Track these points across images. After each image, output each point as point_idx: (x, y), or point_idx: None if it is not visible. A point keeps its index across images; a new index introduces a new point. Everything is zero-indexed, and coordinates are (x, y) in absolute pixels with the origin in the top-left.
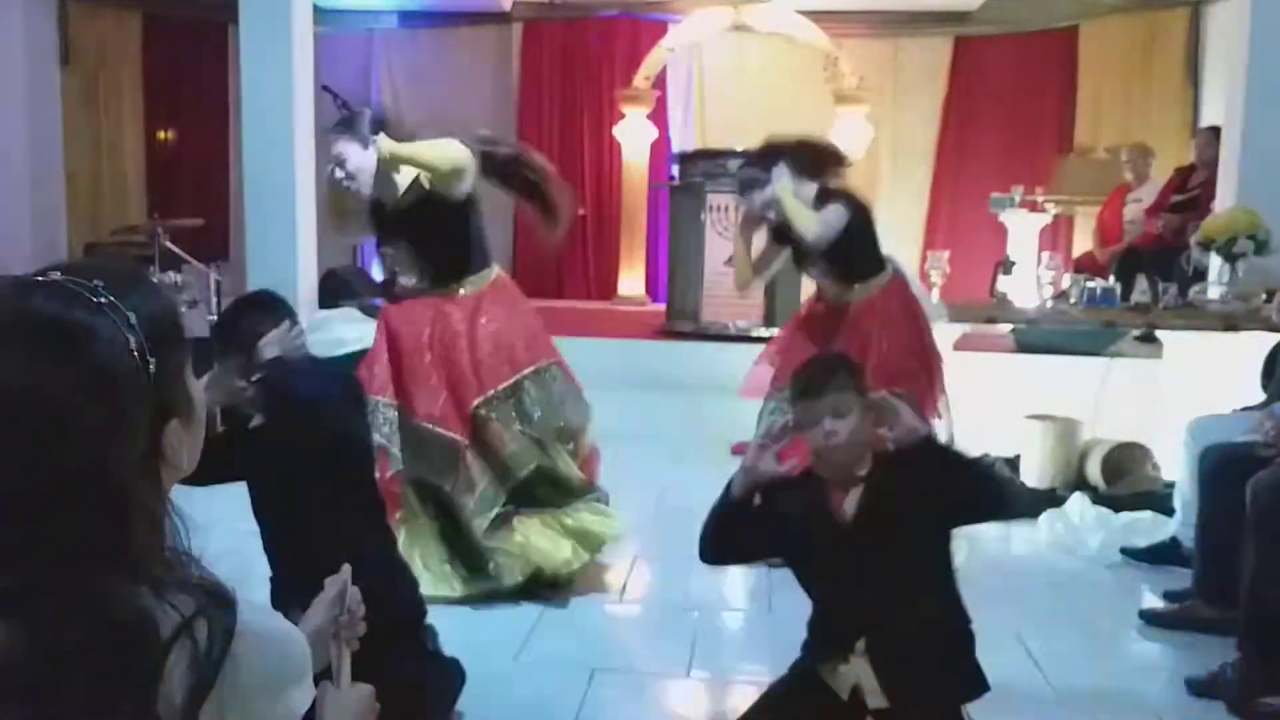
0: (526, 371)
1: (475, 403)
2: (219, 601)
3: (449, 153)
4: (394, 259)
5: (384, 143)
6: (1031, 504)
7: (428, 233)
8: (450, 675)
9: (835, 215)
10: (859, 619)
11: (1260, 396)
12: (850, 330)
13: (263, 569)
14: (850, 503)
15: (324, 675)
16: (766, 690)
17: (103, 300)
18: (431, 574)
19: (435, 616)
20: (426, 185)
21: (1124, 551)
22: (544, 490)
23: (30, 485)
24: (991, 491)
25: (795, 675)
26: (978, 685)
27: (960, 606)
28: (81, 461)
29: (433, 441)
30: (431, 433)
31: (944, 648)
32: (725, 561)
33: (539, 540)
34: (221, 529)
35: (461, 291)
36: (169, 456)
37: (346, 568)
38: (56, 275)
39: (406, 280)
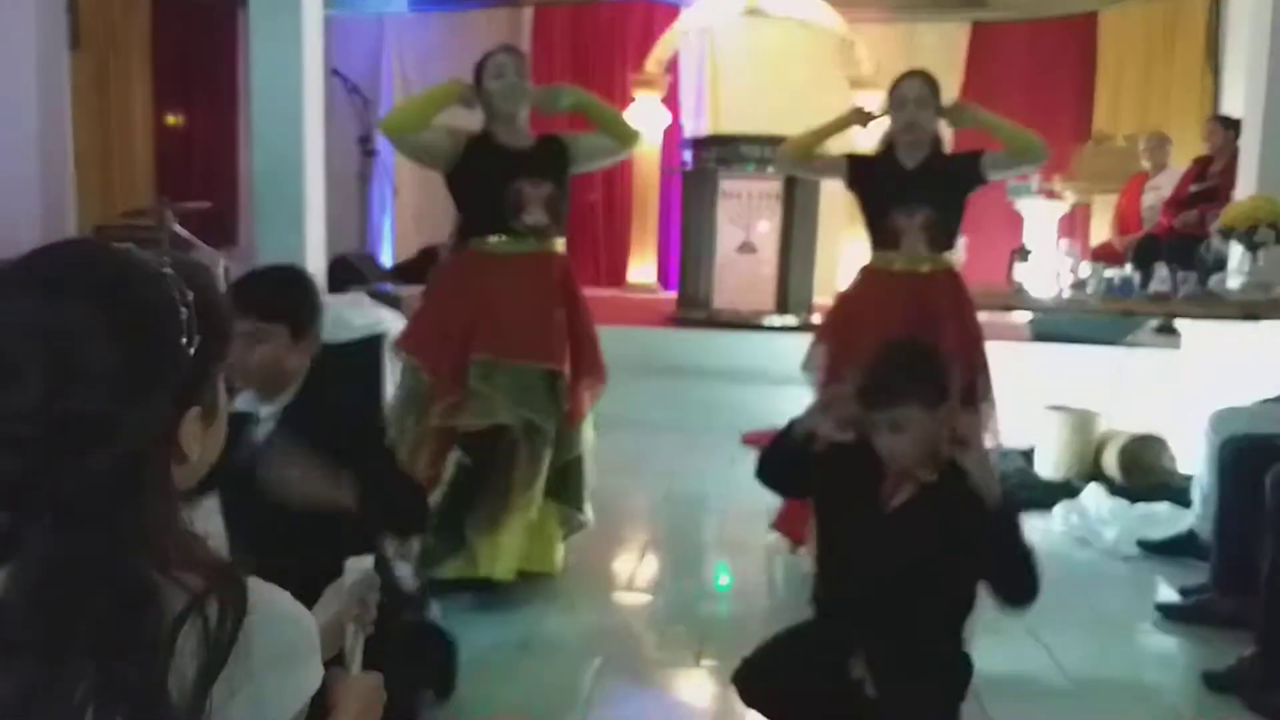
0: (530, 363)
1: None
2: (229, 580)
3: (625, 120)
4: (529, 197)
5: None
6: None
7: (559, 179)
8: (442, 645)
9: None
10: (865, 610)
11: None
12: (916, 308)
13: None
14: (900, 497)
15: (335, 661)
16: (770, 644)
17: (167, 270)
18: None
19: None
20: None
21: (1140, 544)
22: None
23: (42, 417)
24: (1022, 582)
25: (806, 629)
26: (964, 690)
27: (962, 647)
28: (100, 409)
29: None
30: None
31: (941, 667)
32: (774, 488)
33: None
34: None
35: (557, 248)
36: (182, 444)
37: (369, 558)
38: (129, 245)
39: (533, 219)
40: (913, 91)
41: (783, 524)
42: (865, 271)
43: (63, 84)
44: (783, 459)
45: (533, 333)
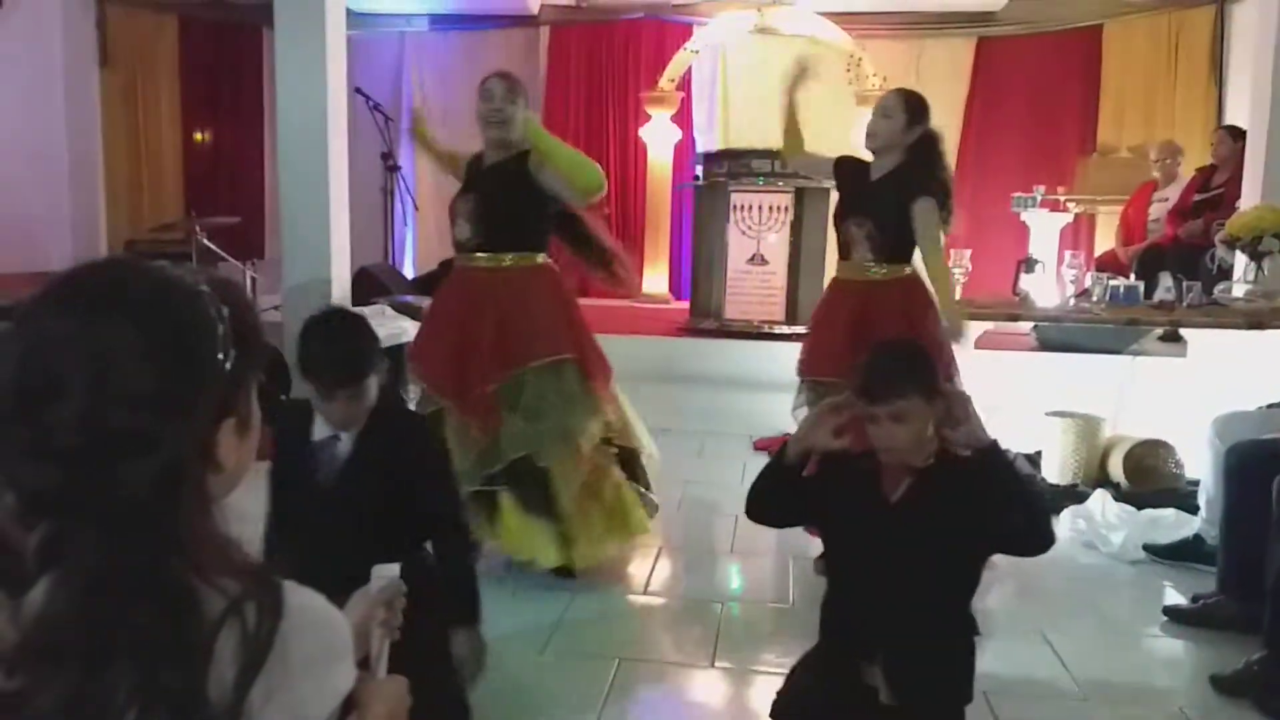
0: (533, 364)
1: (484, 379)
2: (265, 584)
3: (591, 171)
4: (457, 211)
5: (535, 121)
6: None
7: (504, 198)
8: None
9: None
10: (881, 610)
11: None
12: (858, 310)
13: None
14: (901, 489)
15: (361, 665)
16: (793, 673)
17: (203, 287)
18: None
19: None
20: (534, 171)
21: (1147, 549)
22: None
23: (85, 430)
24: (1033, 517)
25: (820, 661)
26: (970, 693)
27: (972, 618)
28: (140, 423)
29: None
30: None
31: (954, 654)
32: (766, 521)
33: (512, 523)
34: (259, 521)
35: (507, 262)
36: (219, 454)
37: (395, 565)
38: (165, 263)
39: (459, 234)
40: (881, 102)
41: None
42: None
43: (92, 101)
44: (778, 486)
45: (524, 336)
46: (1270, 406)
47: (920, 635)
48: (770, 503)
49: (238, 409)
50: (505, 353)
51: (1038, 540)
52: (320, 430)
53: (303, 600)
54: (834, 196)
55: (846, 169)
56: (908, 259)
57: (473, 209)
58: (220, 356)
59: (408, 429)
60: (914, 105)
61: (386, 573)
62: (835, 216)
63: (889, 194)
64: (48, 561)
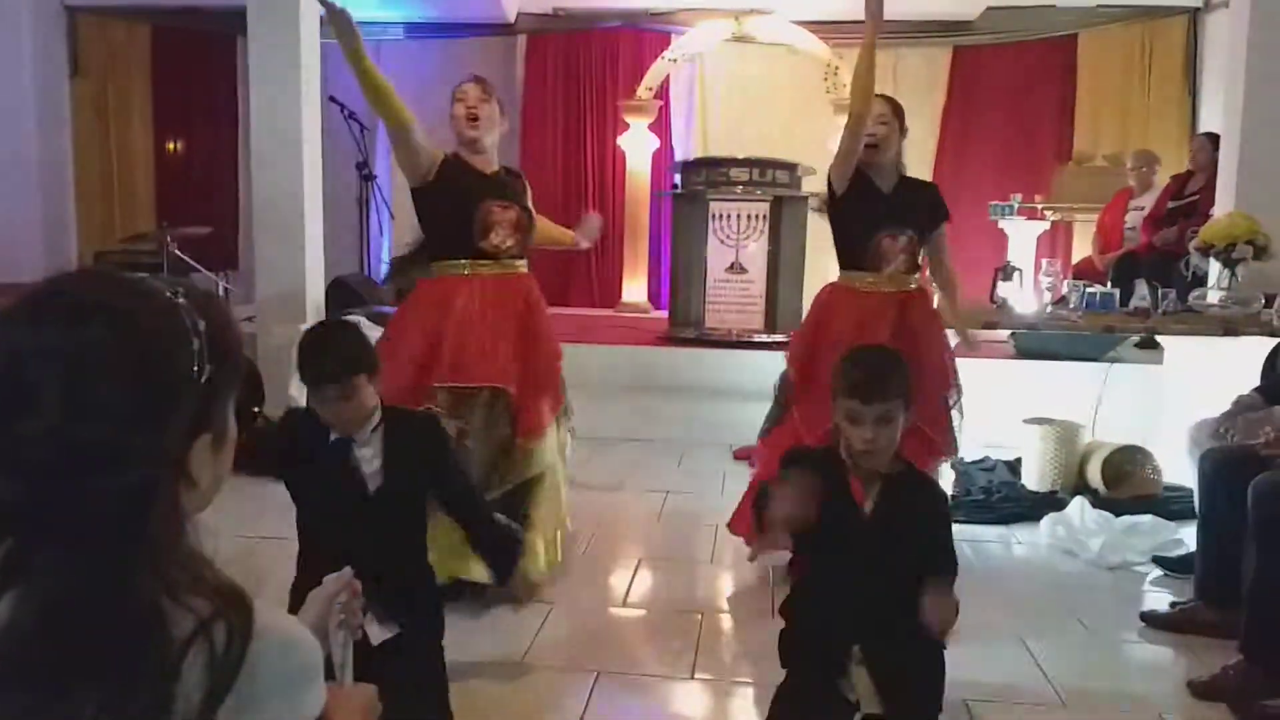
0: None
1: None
2: (236, 605)
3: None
4: (498, 219)
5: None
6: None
7: (522, 205)
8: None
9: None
10: (859, 616)
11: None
12: (898, 322)
13: (275, 574)
14: (871, 498)
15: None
16: (776, 699)
17: (180, 300)
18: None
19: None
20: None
21: (1157, 560)
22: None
23: (53, 443)
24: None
25: (800, 683)
26: (939, 703)
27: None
28: (110, 437)
29: None
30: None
31: (931, 655)
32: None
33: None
34: (230, 535)
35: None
36: (192, 470)
37: (348, 569)
38: (144, 275)
39: (500, 240)
40: (875, 109)
41: (738, 524)
42: (828, 293)
43: (63, 111)
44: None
45: (485, 356)
46: (1244, 413)
47: (895, 635)
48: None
49: (213, 424)
50: (466, 362)
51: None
52: (335, 436)
53: (274, 621)
54: (812, 205)
55: (855, 180)
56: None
57: (515, 218)
58: (195, 370)
59: (424, 426)
60: (900, 111)
61: (341, 573)
62: (853, 227)
63: (920, 209)
64: (12, 577)
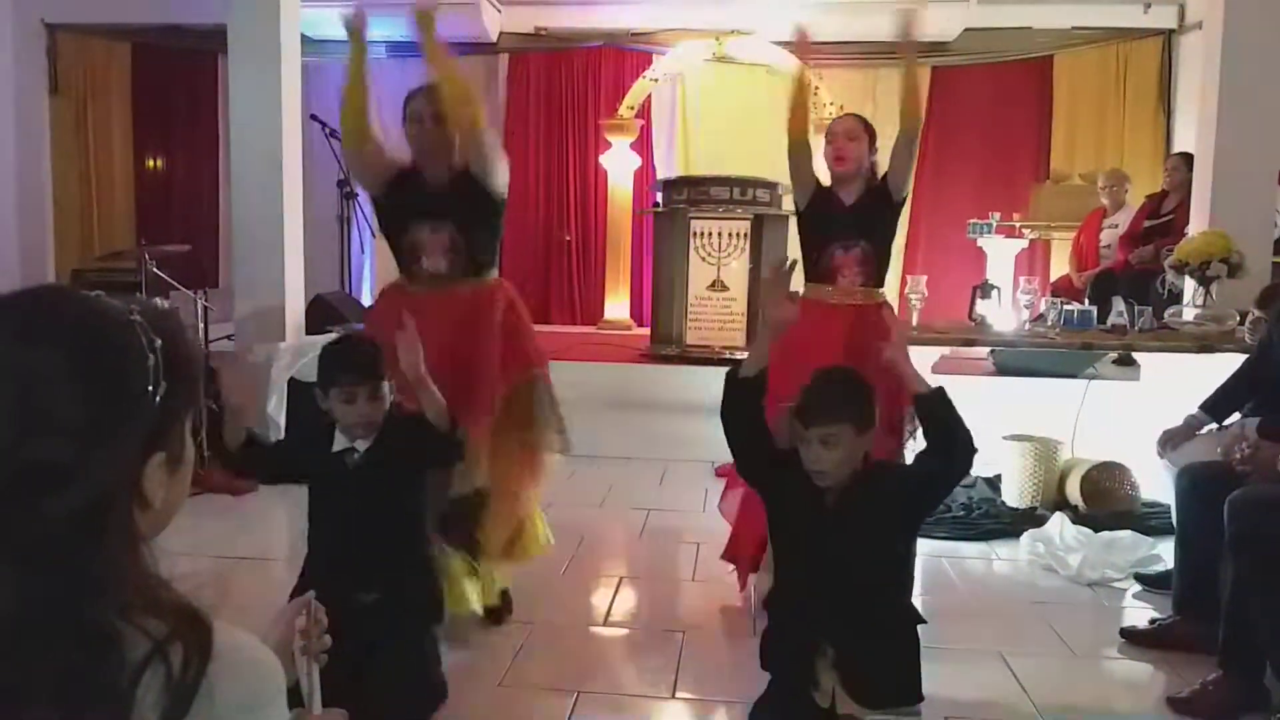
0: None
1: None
2: (194, 625)
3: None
4: (427, 244)
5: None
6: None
7: (471, 219)
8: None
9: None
10: (830, 610)
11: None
12: (849, 336)
13: (242, 596)
14: (832, 493)
15: (295, 700)
16: (754, 712)
17: (135, 318)
18: None
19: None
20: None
21: (1138, 578)
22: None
23: (3, 462)
24: (963, 447)
25: (775, 691)
26: (920, 690)
27: (914, 608)
28: (62, 455)
29: None
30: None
31: (901, 649)
32: (732, 432)
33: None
34: (203, 556)
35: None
36: (146, 490)
37: (311, 593)
38: (99, 293)
39: (432, 266)
40: (843, 126)
41: (732, 552)
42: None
43: (42, 129)
44: (745, 400)
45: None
46: (1219, 429)
47: (866, 625)
48: (737, 415)
49: (169, 444)
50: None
51: (957, 469)
52: (339, 443)
53: (234, 642)
54: (794, 221)
55: (818, 195)
56: (883, 284)
57: (448, 240)
58: (150, 388)
59: (411, 422)
60: (871, 130)
61: (303, 597)
62: (810, 240)
63: (884, 218)
64: None
